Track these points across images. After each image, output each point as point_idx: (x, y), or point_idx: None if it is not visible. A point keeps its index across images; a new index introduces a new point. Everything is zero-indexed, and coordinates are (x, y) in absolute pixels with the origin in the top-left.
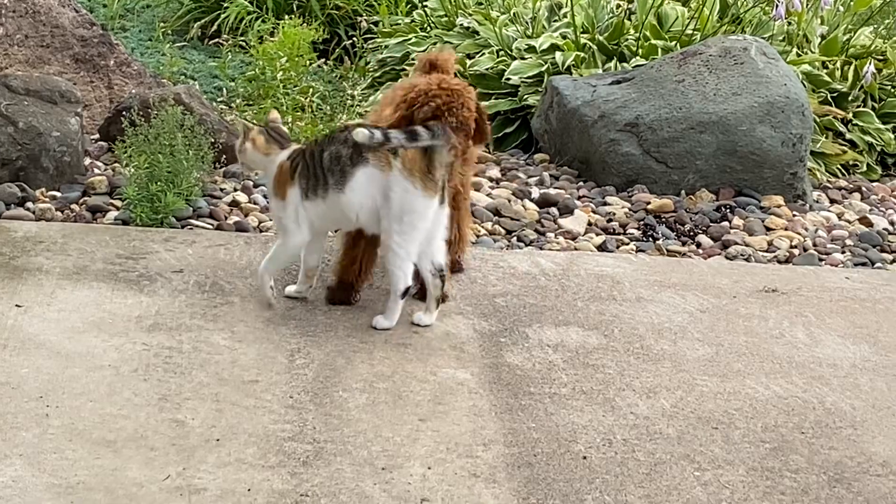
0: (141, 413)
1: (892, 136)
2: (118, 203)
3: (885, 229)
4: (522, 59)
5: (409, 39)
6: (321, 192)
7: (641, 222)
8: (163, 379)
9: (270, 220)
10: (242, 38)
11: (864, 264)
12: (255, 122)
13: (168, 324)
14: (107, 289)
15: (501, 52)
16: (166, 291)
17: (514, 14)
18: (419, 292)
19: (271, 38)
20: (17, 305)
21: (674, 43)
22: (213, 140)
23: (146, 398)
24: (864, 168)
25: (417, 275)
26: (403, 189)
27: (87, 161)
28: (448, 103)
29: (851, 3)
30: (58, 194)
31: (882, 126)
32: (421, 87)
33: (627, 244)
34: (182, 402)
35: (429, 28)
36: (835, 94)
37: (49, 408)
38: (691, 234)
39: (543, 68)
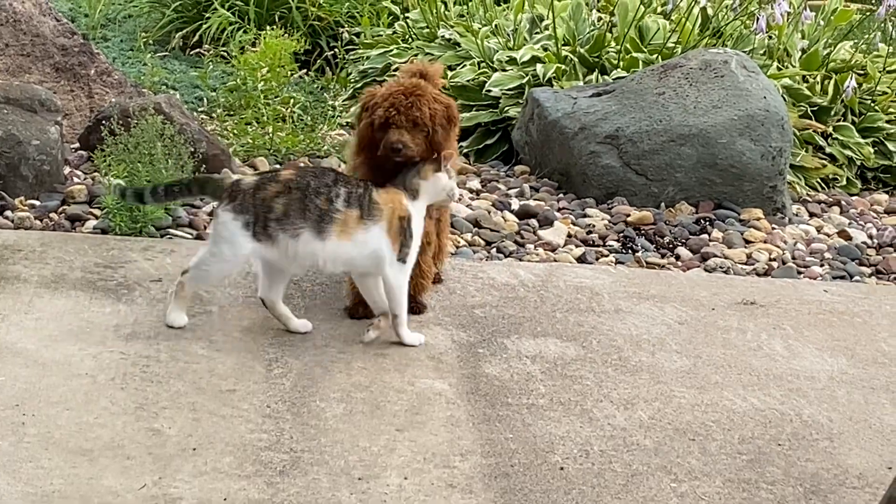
0: (118, 422)
1: (872, 151)
2: (97, 212)
3: (863, 243)
4: (503, 70)
5: (391, 51)
6: None
7: (621, 234)
8: (140, 388)
9: None
10: (224, 49)
11: (842, 277)
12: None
13: (146, 333)
14: (85, 297)
15: (483, 64)
16: (144, 300)
17: (495, 26)
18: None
19: (253, 49)
20: None
21: (655, 56)
22: (192, 149)
23: (123, 407)
24: (844, 182)
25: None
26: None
27: (67, 170)
28: (397, 104)
29: (832, 18)
30: (37, 203)
31: (862, 140)
32: (379, 91)
33: (607, 256)
34: (159, 410)
35: (410, 40)
36: (815, 108)
37: (25, 416)
38: (670, 246)
39: (524, 80)
